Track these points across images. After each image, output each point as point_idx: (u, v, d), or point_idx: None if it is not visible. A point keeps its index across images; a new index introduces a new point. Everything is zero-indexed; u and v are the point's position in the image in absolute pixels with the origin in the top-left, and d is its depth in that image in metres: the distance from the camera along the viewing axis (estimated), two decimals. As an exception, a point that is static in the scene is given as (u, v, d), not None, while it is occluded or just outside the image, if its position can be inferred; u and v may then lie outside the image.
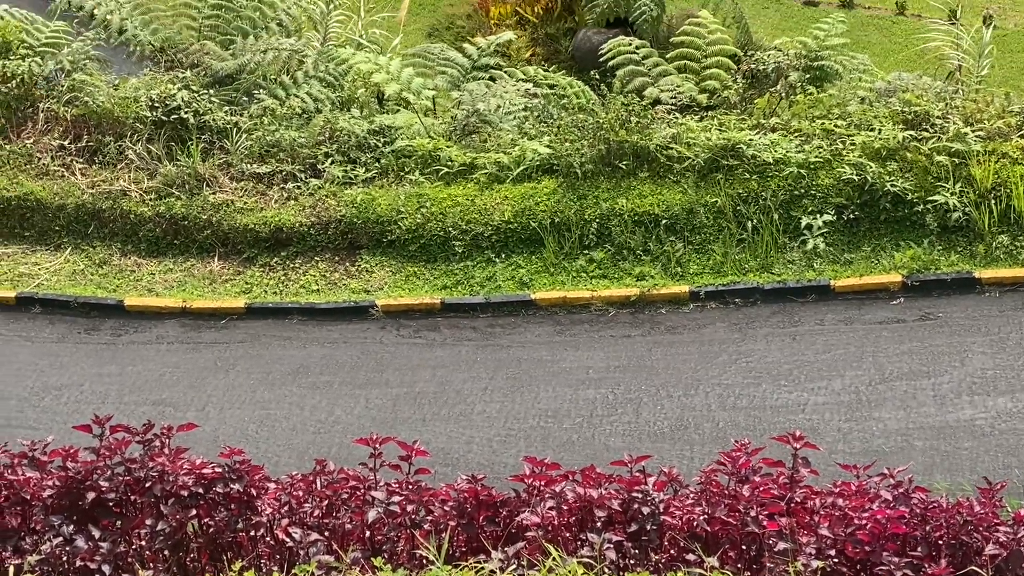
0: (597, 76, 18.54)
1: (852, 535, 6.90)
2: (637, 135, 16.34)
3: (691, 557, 6.89)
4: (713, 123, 16.77)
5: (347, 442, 12.88)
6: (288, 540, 7.16)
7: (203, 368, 14.79)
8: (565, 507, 7.12)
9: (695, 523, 7.09)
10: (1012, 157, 15.41)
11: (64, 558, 7.06)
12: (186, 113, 17.59)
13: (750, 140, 16.07)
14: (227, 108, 17.94)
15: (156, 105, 17.71)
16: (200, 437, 7.87)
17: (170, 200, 16.98)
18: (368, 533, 7.26)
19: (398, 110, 18.32)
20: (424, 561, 6.92)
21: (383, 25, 21.27)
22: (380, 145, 17.21)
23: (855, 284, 14.97)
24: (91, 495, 7.24)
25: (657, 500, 7.09)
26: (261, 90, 18.15)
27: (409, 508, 7.25)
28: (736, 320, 14.73)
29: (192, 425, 7.70)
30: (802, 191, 15.66)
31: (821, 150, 15.90)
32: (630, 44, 18.93)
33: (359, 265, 16.27)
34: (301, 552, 7.05)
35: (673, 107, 17.52)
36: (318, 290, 15.99)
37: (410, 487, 7.38)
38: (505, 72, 19.03)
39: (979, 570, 6.77)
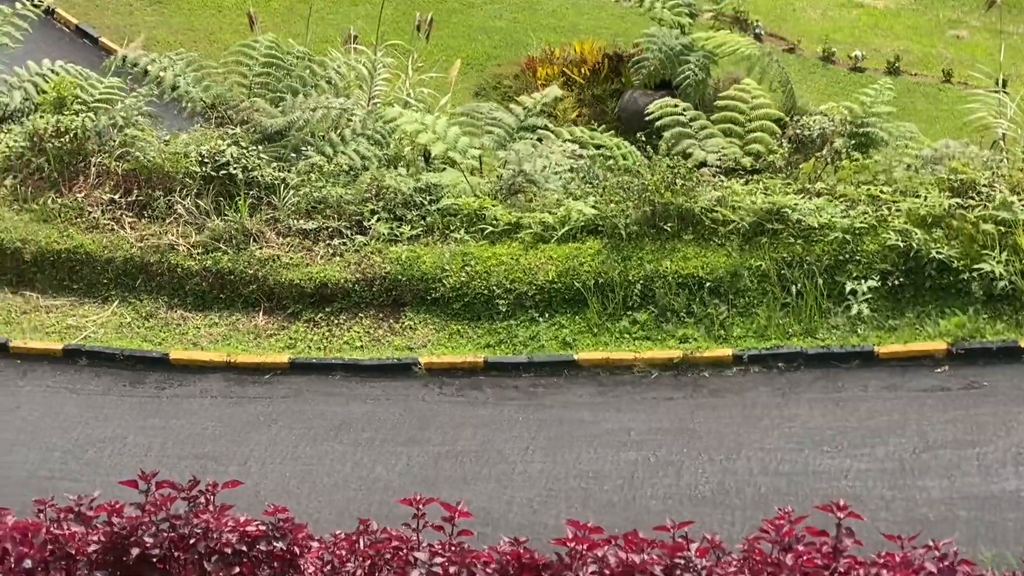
0: (643, 137, 18.61)
1: (897, 607, 6.87)
2: (682, 197, 16.35)
3: (733, 625, 6.88)
4: (758, 187, 16.79)
5: (388, 500, 12.90)
6: (330, 599, 7.19)
7: (246, 423, 14.86)
8: (608, 572, 7.10)
9: (738, 591, 7.08)
10: (1059, 226, 15.38)
11: (108, 613, 7.12)
12: (235, 169, 17.73)
13: (795, 204, 16.06)
14: (275, 164, 18.06)
15: (206, 160, 17.87)
16: (241, 492, 7.91)
17: (217, 254, 17.10)
18: (411, 594, 7.28)
19: (444, 168, 18.43)
20: (466, 624, 6.94)
21: (432, 84, 21.47)
22: (426, 203, 17.29)
23: (899, 351, 14.89)
24: (135, 551, 7.27)
25: (700, 567, 7.06)
26: (309, 147, 18.31)
27: (452, 570, 7.24)
28: (779, 384, 14.69)
29: (237, 482, 7.74)
30: (847, 256, 15.63)
31: (866, 216, 15.86)
32: (676, 106, 19.03)
33: (403, 322, 16.33)
34: (343, 611, 7.09)
35: (719, 170, 17.56)
36: (362, 346, 16.05)
37: (453, 548, 7.38)
38: (551, 132, 19.14)
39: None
